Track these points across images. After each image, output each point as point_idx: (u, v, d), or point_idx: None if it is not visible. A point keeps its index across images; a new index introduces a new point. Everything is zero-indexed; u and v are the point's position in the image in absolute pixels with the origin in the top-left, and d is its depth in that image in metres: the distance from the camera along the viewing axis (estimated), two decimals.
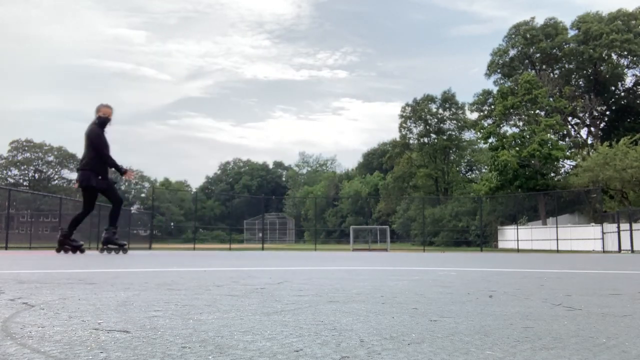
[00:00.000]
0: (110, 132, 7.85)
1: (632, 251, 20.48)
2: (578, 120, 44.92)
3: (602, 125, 44.49)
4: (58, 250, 7.92)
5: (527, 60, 45.49)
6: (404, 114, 51.54)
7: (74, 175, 78.34)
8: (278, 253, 13.88)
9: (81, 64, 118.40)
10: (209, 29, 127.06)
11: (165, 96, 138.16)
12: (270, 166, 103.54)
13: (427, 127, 50.67)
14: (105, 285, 2.07)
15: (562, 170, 39.87)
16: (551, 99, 37.13)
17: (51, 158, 76.76)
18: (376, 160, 70.56)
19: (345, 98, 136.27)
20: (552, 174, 37.49)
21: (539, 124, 34.69)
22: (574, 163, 37.86)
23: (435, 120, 50.56)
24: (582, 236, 25.51)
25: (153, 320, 1.15)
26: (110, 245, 7.90)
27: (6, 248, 15.62)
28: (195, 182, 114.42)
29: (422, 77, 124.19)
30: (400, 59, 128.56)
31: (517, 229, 27.24)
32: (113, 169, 7.86)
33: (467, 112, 49.05)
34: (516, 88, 37.21)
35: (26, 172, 76.87)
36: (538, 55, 44.38)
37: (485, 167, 42.40)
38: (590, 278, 2.93)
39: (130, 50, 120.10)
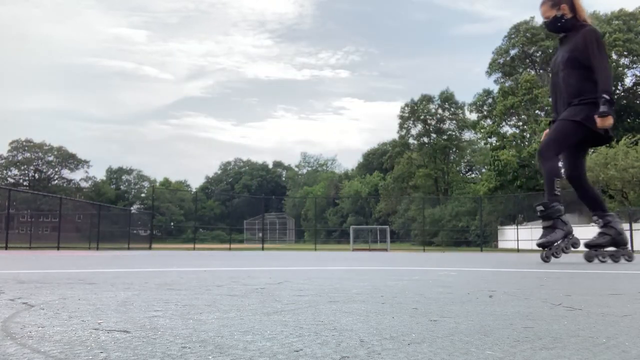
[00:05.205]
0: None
1: (632, 251, 20.49)
2: None
3: None
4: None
5: (527, 60, 45.49)
6: (403, 114, 51.62)
7: (73, 175, 78.36)
8: (278, 253, 13.88)
9: (82, 63, 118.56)
10: (211, 28, 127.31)
11: (166, 96, 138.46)
12: (270, 166, 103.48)
13: (427, 127, 50.72)
14: (105, 285, 2.07)
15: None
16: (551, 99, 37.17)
17: (51, 158, 76.78)
18: (376, 160, 70.61)
19: (346, 98, 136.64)
20: None
21: (539, 123, 34.72)
22: None
23: (435, 120, 50.60)
24: (582, 236, 25.45)
25: (153, 320, 1.15)
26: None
27: (6, 248, 15.63)
28: (196, 182, 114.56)
29: (424, 77, 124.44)
30: (402, 59, 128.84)
31: (517, 229, 27.24)
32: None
33: (467, 113, 49.10)
34: (516, 88, 37.24)
35: (26, 172, 76.90)
36: (539, 54, 44.39)
37: (485, 167, 42.39)
38: (590, 278, 2.93)
39: (131, 50, 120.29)
